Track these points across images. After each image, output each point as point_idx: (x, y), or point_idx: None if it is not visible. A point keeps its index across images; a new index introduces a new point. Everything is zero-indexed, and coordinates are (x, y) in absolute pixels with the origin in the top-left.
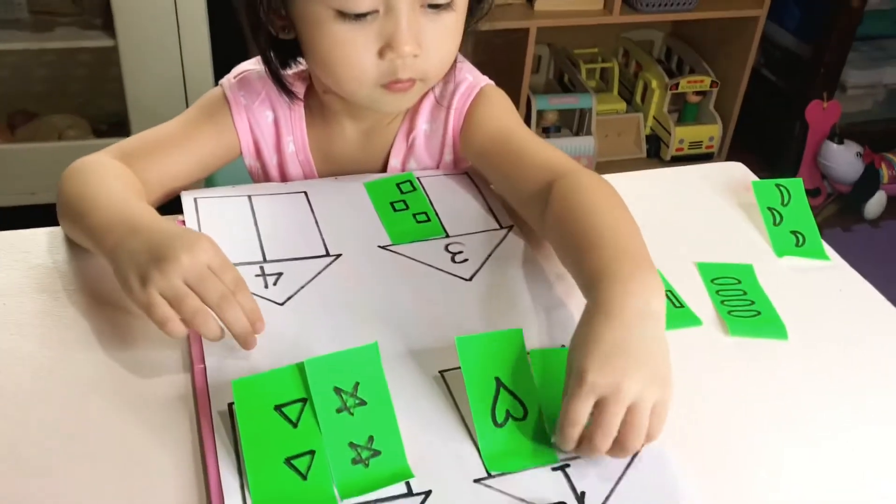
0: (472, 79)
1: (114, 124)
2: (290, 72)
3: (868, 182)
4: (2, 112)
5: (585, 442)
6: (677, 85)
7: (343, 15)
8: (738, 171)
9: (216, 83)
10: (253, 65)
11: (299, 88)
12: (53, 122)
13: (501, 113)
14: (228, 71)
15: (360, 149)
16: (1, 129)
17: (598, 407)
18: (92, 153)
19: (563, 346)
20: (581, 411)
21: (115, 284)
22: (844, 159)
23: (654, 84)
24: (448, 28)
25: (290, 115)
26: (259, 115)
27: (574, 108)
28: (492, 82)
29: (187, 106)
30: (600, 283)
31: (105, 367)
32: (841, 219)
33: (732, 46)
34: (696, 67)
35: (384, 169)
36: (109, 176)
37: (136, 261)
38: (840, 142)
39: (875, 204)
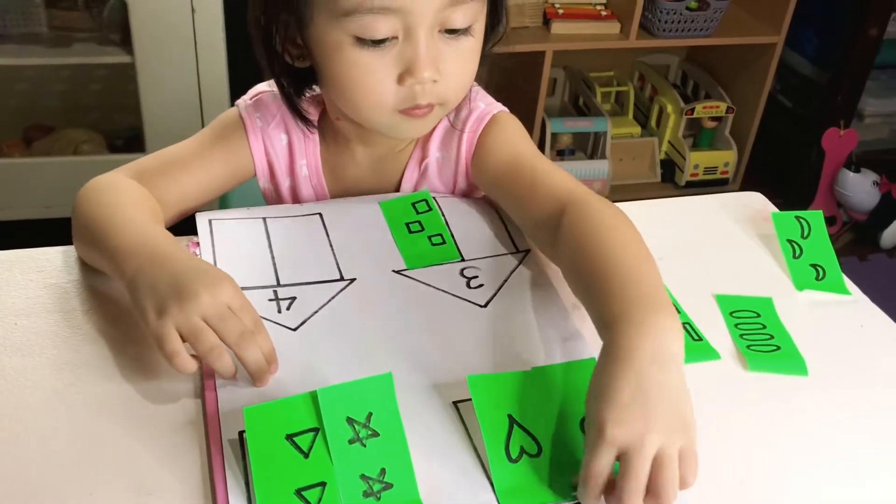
0: (485, 106)
1: (129, 139)
2: (303, 97)
3: (885, 211)
4: (18, 126)
5: (614, 498)
6: (693, 110)
7: (361, 41)
8: (756, 202)
9: (232, 100)
10: (269, 86)
11: (313, 113)
12: (69, 137)
13: (514, 139)
14: (244, 88)
15: (372, 175)
16: (17, 142)
17: (623, 462)
18: (107, 170)
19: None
20: (602, 465)
21: (129, 307)
22: (861, 188)
23: (670, 109)
24: (466, 53)
25: (303, 139)
26: (274, 138)
27: (589, 131)
28: (505, 109)
29: (203, 123)
30: (614, 325)
31: (115, 390)
32: (857, 248)
33: (749, 72)
34: (712, 93)
35: None
36: (128, 198)
37: (155, 292)
38: (857, 170)
39: (891, 233)
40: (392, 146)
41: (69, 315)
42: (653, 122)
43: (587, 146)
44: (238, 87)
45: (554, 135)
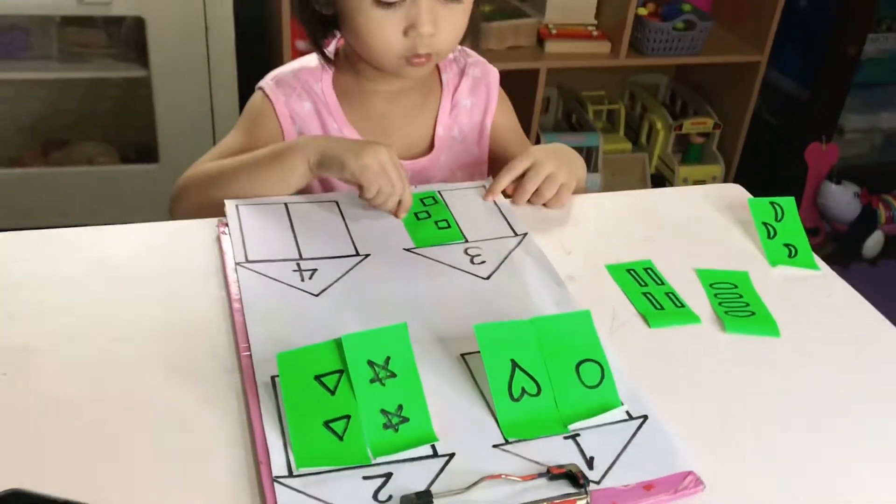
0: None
1: (141, 152)
2: (311, 65)
3: (865, 221)
4: (37, 138)
5: (518, 190)
6: (681, 126)
7: (378, 2)
8: (735, 192)
9: (241, 110)
10: (285, 68)
11: (326, 78)
12: (84, 150)
13: (512, 111)
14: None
15: (406, 121)
16: (35, 154)
17: (530, 167)
18: (120, 181)
19: None
20: (520, 166)
21: (167, 279)
22: (842, 199)
23: (659, 125)
24: (458, 15)
25: (325, 100)
26: (298, 107)
27: (581, 146)
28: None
29: (214, 133)
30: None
31: (158, 347)
32: (840, 257)
33: (735, 90)
34: (700, 110)
35: (433, 137)
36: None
37: (340, 148)
38: (838, 182)
39: (873, 243)
40: (417, 97)
41: (112, 283)
42: (643, 139)
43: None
44: (246, 98)
45: None
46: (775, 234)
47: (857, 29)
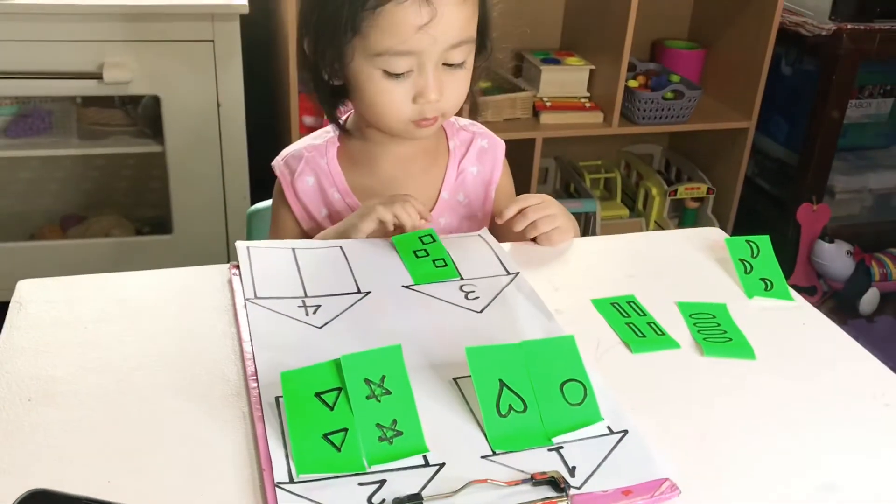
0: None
1: (155, 225)
2: (318, 142)
3: (860, 279)
4: (56, 212)
5: (519, 216)
6: (675, 191)
7: (387, 74)
8: (715, 235)
9: (251, 182)
10: (295, 146)
11: (331, 151)
12: (100, 224)
13: (510, 181)
14: (262, 169)
15: (412, 184)
16: (55, 228)
17: (534, 208)
18: (135, 252)
19: None
20: (530, 200)
21: (183, 316)
22: (836, 257)
23: (654, 191)
24: (461, 79)
25: (329, 173)
26: (301, 184)
27: (580, 211)
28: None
29: (225, 206)
30: None
31: (175, 375)
32: (838, 315)
33: (726, 156)
34: (693, 176)
35: (436, 202)
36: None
37: (349, 218)
38: (830, 241)
39: (869, 300)
40: (424, 162)
41: (132, 321)
42: (639, 205)
43: (578, 226)
44: (256, 171)
45: None
46: (751, 269)
47: (839, 95)
